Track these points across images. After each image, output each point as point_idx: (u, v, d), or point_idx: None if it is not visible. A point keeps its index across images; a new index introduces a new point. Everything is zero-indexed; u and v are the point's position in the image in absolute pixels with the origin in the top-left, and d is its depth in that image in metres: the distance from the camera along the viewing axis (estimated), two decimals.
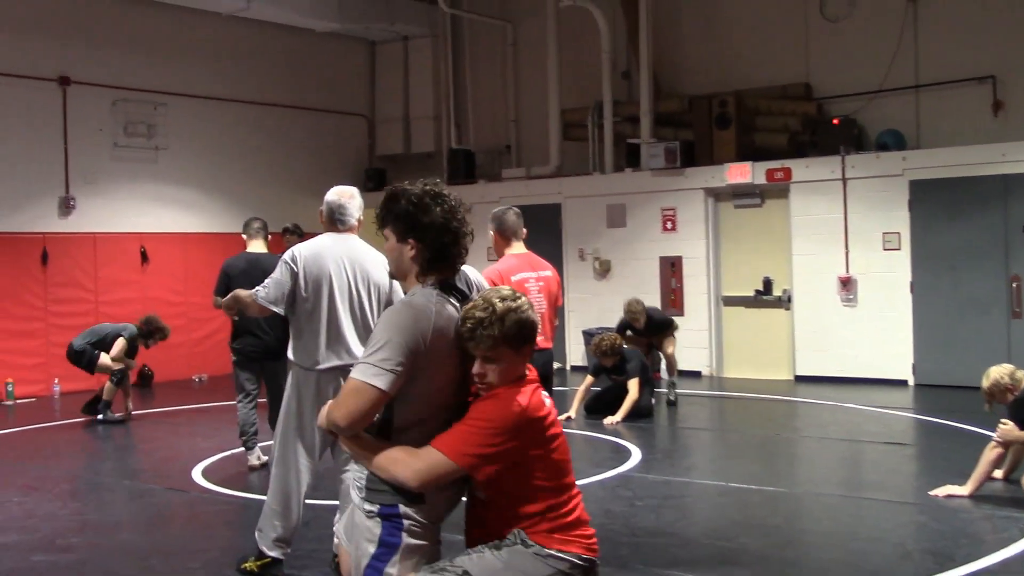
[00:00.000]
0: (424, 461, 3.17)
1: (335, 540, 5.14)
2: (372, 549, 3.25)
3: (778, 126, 14.09)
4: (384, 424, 3.28)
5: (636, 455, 8.80)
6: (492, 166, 17.01)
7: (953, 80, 13.06)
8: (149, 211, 14.83)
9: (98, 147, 14.30)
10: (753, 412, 11.47)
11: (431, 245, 3.29)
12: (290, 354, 5.39)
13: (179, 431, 10.80)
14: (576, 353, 15.08)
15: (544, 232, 14.31)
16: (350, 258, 5.37)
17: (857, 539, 6.15)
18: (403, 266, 3.36)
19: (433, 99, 17.61)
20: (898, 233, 12.71)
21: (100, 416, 11.25)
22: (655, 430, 10.27)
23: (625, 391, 10.62)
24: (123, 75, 14.52)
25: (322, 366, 5.27)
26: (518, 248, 6.32)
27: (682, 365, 12.54)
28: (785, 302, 13.62)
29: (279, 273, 5.36)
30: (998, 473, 7.35)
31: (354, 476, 3.36)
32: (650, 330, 11.53)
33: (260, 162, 16.16)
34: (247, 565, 5.48)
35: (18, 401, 13.18)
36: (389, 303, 5.34)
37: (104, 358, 11.15)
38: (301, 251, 5.37)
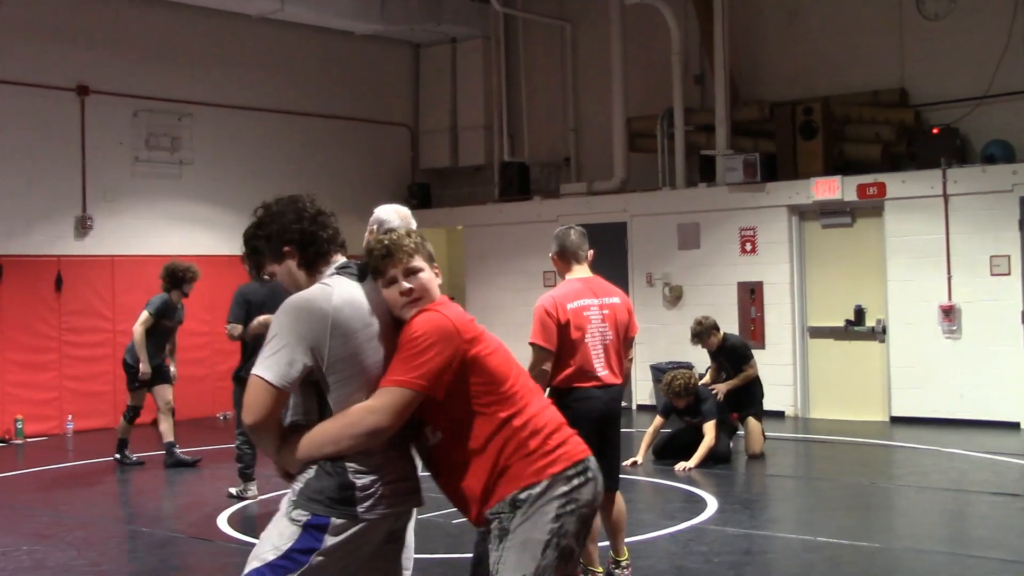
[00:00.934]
0: (381, 401, 3.49)
1: None
2: (272, 557, 3.43)
3: (870, 136, 14.02)
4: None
5: (712, 505, 8.76)
6: (549, 181, 17.09)
7: None
8: (173, 232, 15.02)
9: (118, 162, 14.56)
10: (844, 457, 11.40)
11: (300, 240, 3.72)
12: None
13: (202, 474, 10.92)
14: (643, 390, 15.04)
15: (607, 255, 14.08)
16: None
17: None
18: (298, 278, 3.74)
19: (484, 107, 17.74)
20: (1007, 256, 12.58)
21: (117, 456, 11.38)
22: (733, 477, 10.22)
23: (700, 434, 10.57)
24: (145, 83, 14.78)
25: None
26: (581, 272, 6.30)
27: (763, 404, 12.38)
28: (879, 334, 13.51)
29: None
30: None
31: (291, 490, 3.56)
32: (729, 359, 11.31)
33: (293, 177, 16.24)
34: None
35: (28, 440, 13.37)
36: None
37: (144, 365, 10.92)
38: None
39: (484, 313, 16.25)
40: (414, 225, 5.58)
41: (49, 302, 13.88)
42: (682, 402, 10.55)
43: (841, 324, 13.82)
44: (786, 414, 13.95)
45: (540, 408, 3.68)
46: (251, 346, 8.60)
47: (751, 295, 14.26)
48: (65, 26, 14.16)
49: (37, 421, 13.63)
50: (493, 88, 17.54)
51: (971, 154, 13.37)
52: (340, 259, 3.78)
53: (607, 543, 6.47)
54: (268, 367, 3.46)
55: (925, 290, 13.08)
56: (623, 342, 6.28)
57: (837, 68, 14.54)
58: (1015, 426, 12.51)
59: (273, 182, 16.02)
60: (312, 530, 3.43)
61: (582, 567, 6.02)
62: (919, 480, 9.86)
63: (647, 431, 10.90)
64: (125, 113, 14.59)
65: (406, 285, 3.61)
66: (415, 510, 3.85)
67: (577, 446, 3.67)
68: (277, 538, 3.46)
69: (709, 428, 10.52)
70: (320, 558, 3.43)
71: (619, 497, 6.38)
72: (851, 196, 13.53)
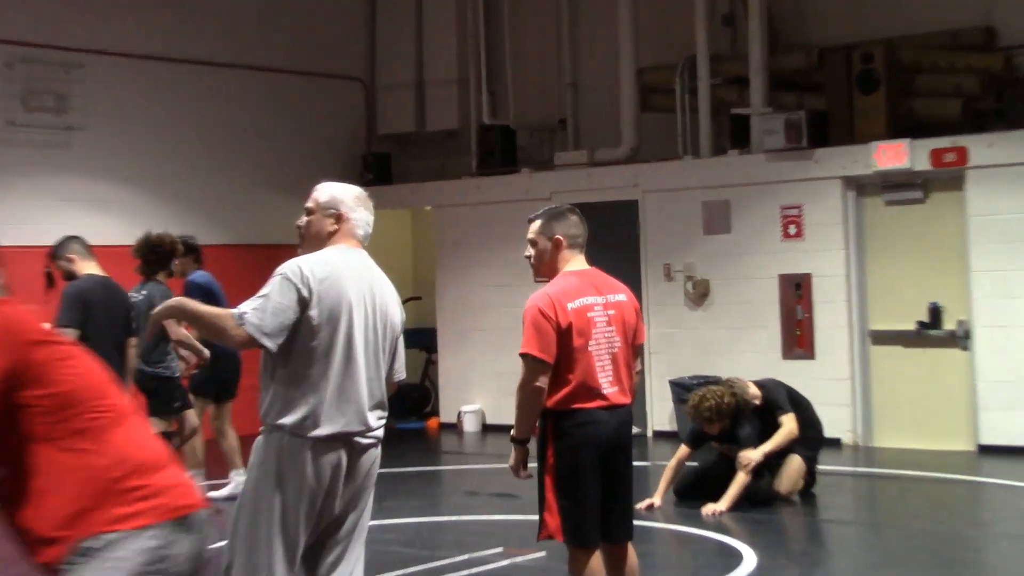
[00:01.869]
0: None
1: None
2: None
3: (948, 88, 14.03)
4: None
5: (750, 560, 8.72)
6: (540, 149, 17.11)
7: None
8: (58, 216, 14.70)
9: None
10: (919, 498, 11.50)
11: None
12: (267, 414, 5.39)
13: None
14: (660, 413, 15.01)
15: (614, 241, 14.35)
16: (370, 284, 5.52)
17: None
18: None
19: (457, 56, 17.71)
20: None
21: None
22: (777, 523, 10.23)
23: (734, 468, 10.45)
24: (23, 25, 14.60)
25: (322, 432, 5.31)
26: (578, 263, 6.36)
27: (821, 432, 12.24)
28: (961, 339, 13.51)
29: (279, 295, 5.31)
30: None
31: None
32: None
33: (214, 147, 16.20)
34: None
35: None
36: (395, 350, 5.65)
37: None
38: (312, 269, 5.37)
39: (459, 316, 16.12)
40: (370, 208, 5.67)
41: None
42: (715, 428, 10.48)
43: (912, 327, 13.83)
44: (843, 442, 13.88)
45: (135, 438, 3.61)
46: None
47: (796, 291, 14.24)
48: None
49: None
50: (469, 32, 17.52)
51: None
52: None
53: None
54: None
55: (1019, 283, 13.08)
56: (631, 350, 6.33)
57: (904, 3, 14.54)
58: None
59: (187, 153, 15.94)
60: None
61: None
62: (1016, 527, 9.93)
63: (668, 464, 10.86)
64: None
65: None
66: None
67: (182, 496, 3.61)
68: None
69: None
70: None
71: (631, 550, 6.36)
72: (923, 165, 13.53)
